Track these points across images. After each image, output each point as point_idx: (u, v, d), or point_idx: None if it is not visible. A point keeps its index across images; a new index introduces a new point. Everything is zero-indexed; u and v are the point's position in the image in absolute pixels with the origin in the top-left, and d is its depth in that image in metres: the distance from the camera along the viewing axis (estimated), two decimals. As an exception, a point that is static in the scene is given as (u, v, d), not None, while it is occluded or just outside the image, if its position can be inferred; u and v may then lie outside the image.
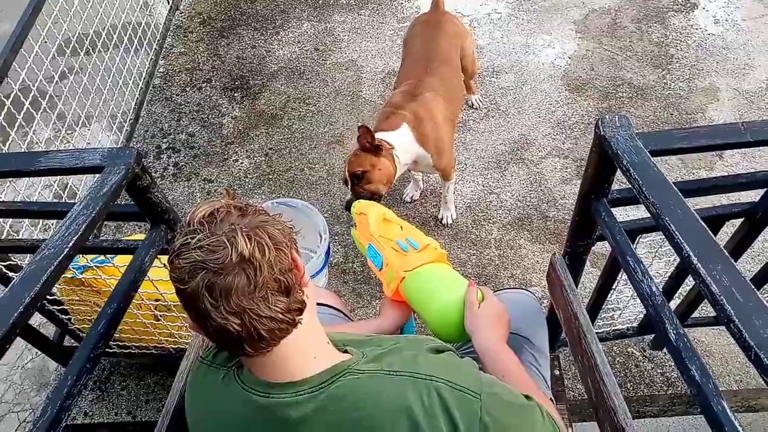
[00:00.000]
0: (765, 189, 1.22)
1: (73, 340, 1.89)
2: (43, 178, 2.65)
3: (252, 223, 0.78)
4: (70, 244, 0.92)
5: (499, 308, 1.19)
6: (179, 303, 1.61)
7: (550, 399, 1.23)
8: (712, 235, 0.83)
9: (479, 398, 0.83)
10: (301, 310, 0.82)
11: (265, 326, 0.77)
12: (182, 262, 0.76)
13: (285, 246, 0.79)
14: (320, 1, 3.53)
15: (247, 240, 0.75)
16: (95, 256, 1.51)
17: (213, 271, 0.74)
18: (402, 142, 1.98)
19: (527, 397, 0.94)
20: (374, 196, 1.93)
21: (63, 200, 2.53)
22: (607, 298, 1.54)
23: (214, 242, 0.75)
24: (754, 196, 1.27)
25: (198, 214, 0.78)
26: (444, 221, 2.40)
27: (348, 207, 1.95)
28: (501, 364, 1.08)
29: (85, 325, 1.75)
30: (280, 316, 0.78)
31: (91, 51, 2.73)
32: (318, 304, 1.16)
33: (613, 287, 1.49)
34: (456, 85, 2.24)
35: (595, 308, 1.59)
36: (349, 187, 1.94)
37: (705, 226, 0.84)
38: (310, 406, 0.80)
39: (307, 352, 0.84)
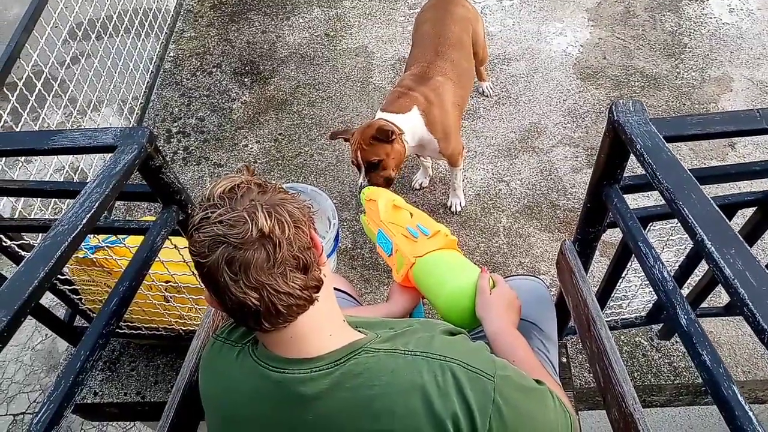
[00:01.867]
0: (778, 177, 1.21)
1: (83, 321, 1.91)
2: (54, 161, 2.67)
3: (272, 200, 0.78)
4: (84, 221, 0.92)
5: (510, 295, 1.20)
6: (189, 285, 1.61)
7: (559, 385, 1.23)
8: (726, 219, 0.83)
9: (493, 380, 0.84)
10: (318, 288, 0.82)
11: (283, 302, 0.78)
12: (202, 236, 0.76)
13: (304, 224, 0.80)
14: (331, -13, 3.52)
15: (267, 216, 0.75)
16: (107, 236, 1.52)
17: (233, 245, 0.75)
18: (411, 126, 1.99)
19: (539, 382, 0.95)
20: (388, 181, 1.97)
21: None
22: (616, 287, 1.54)
23: (235, 217, 0.75)
24: (767, 185, 1.26)
25: (218, 188, 0.79)
26: (453, 209, 2.40)
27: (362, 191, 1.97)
28: (511, 349, 1.09)
29: (95, 306, 1.77)
30: (298, 292, 0.79)
31: (102, 35, 2.73)
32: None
33: (623, 275, 1.49)
34: (466, 70, 2.22)
35: (604, 296, 1.58)
36: (363, 173, 1.96)
37: (719, 209, 0.83)
38: (325, 383, 0.81)
39: (323, 329, 0.85)
